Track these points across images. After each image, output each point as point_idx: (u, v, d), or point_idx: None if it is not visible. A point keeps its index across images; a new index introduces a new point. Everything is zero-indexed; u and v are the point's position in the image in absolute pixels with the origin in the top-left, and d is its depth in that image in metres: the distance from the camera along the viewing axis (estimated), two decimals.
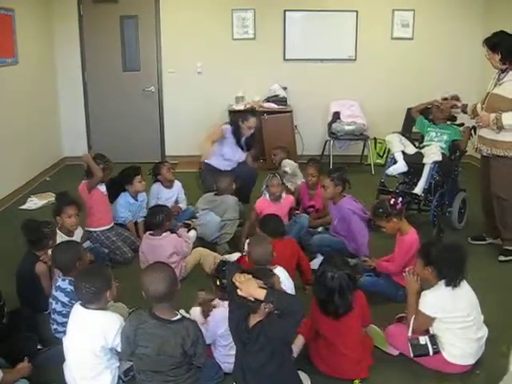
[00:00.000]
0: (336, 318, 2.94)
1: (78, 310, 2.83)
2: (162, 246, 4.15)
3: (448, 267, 2.97)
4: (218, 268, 3.29)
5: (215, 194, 4.91)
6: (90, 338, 2.74)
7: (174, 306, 2.73)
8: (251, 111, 5.82)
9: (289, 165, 5.60)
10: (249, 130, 5.57)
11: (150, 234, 4.24)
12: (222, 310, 3.01)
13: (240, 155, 5.65)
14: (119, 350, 2.76)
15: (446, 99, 5.14)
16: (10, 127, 6.19)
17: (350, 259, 4.11)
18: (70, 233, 4.06)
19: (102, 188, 4.61)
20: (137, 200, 5.00)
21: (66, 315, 3.01)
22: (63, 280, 3.22)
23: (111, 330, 2.73)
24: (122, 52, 7.83)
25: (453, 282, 2.97)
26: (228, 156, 5.57)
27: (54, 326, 3.25)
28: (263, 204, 4.76)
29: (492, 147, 4.44)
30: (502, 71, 4.38)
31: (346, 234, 4.33)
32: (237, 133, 5.56)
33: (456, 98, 5.08)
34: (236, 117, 7.33)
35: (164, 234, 4.20)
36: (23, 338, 3.11)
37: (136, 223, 5.02)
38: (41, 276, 3.49)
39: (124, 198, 4.93)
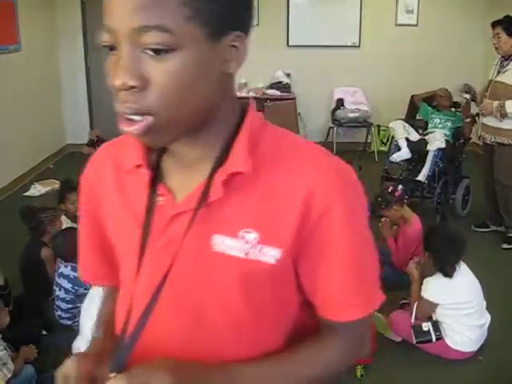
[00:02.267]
0: None
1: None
2: None
3: (443, 258, 2.99)
4: None
5: None
6: None
7: None
8: None
9: None
10: None
11: None
12: None
13: None
14: None
15: (467, 102, 4.87)
16: (13, 114, 6.18)
17: None
18: (75, 218, 4.09)
19: None
20: None
21: (70, 301, 3.02)
22: (66, 266, 3.23)
23: None
24: None
25: (446, 273, 2.98)
26: None
27: (58, 313, 3.26)
28: None
29: (496, 135, 4.41)
30: (506, 58, 4.34)
31: None
32: None
33: (468, 91, 4.91)
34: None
35: None
36: (27, 324, 3.13)
37: None
38: (47, 261, 3.50)
39: None
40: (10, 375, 2.61)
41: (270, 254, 0.84)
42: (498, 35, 4.29)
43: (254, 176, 0.83)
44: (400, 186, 3.82)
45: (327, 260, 0.87)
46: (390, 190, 3.75)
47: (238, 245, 0.84)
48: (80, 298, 3.09)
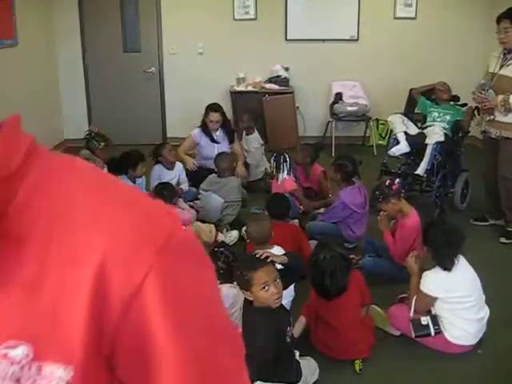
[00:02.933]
0: (329, 299, 2.95)
1: None
2: None
3: (441, 252, 2.99)
4: (212, 250, 3.30)
5: (218, 176, 4.94)
6: None
7: None
8: (213, 105, 5.71)
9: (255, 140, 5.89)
10: (215, 124, 5.58)
11: None
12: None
13: (219, 150, 5.50)
14: None
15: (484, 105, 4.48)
16: (10, 109, 6.14)
17: (347, 244, 4.17)
18: None
19: (104, 171, 4.62)
20: (134, 183, 5.02)
21: None
22: None
23: None
24: (122, 33, 7.74)
25: (444, 266, 2.98)
26: (207, 155, 5.53)
27: None
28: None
29: (501, 129, 4.36)
30: (509, 51, 4.28)
31: (341, 220, 4.35)
32: (206, 130, 5.62)
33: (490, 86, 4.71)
34: (235, 99, 7.34)
35: None
36: None
37: None
38: None
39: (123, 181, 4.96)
40: None
41: (56, 376, 0.52)
42: (506, 29, 4.15)
43: (13, 252, 0.53)
44: (397, 180, 3.81)
45: (152, 369, 0.54)
46: (387, 184, 3.74)
47: (0, 369, 0.52)
48: None
